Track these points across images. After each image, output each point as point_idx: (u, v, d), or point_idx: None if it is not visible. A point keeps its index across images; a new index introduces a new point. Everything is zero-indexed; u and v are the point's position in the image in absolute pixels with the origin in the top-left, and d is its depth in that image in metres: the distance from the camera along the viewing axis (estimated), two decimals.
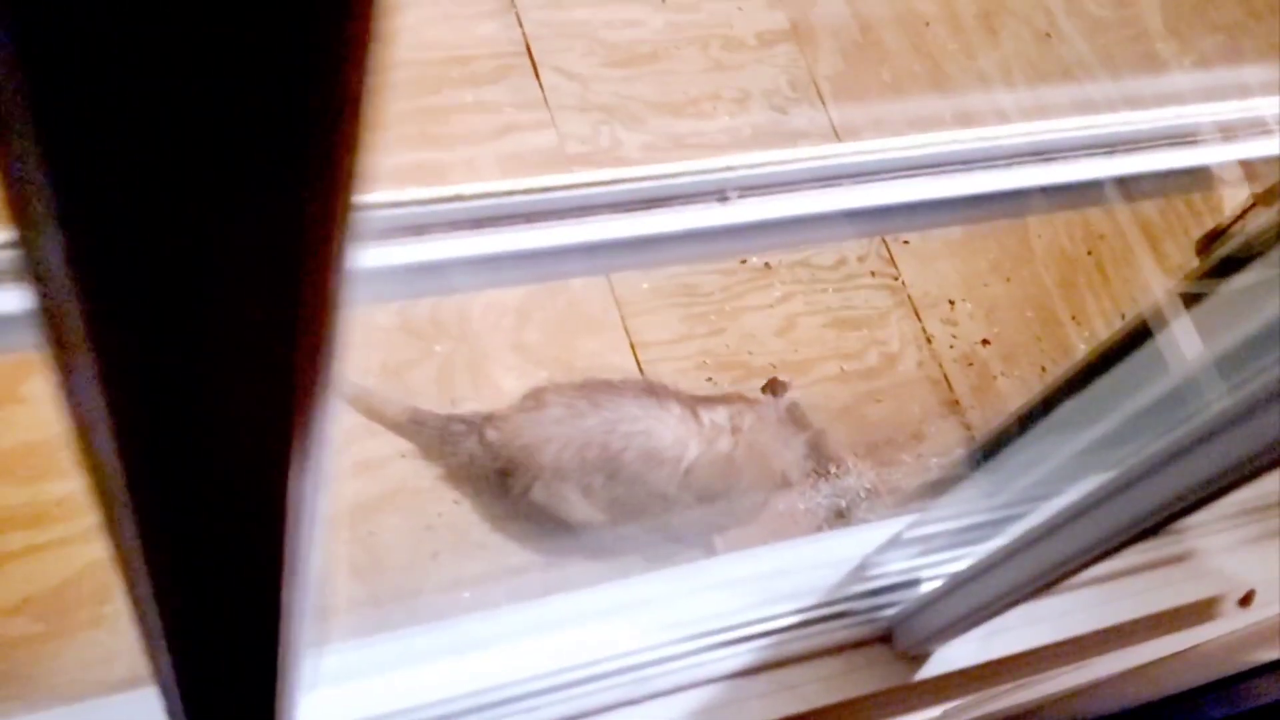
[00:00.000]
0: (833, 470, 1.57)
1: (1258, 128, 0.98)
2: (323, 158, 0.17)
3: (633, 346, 1.57)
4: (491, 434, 1.34)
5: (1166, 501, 0.56)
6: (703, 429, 1.38)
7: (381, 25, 0.17)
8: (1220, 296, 0.81)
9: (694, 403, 1.41)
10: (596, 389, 1.38)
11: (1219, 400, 0.52)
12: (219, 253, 0.17)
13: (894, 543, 0.79)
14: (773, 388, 1.49)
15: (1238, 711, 0.85)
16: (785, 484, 1.46)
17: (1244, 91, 0.96)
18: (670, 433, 1.35)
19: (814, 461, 1.47)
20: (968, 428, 1.62)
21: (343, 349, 0.23)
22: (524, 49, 1.72)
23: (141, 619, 0.32)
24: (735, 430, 1.40)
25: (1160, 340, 0.72)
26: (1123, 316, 1.76)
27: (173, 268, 0.18)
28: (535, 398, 1.38)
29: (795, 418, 1.46)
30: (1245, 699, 0.85)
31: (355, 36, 0.16)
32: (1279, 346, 0.60)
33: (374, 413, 1.41)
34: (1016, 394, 1.65)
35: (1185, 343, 0.69)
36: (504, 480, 1.35)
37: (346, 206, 0.18)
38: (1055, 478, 0.70)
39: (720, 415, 1.41)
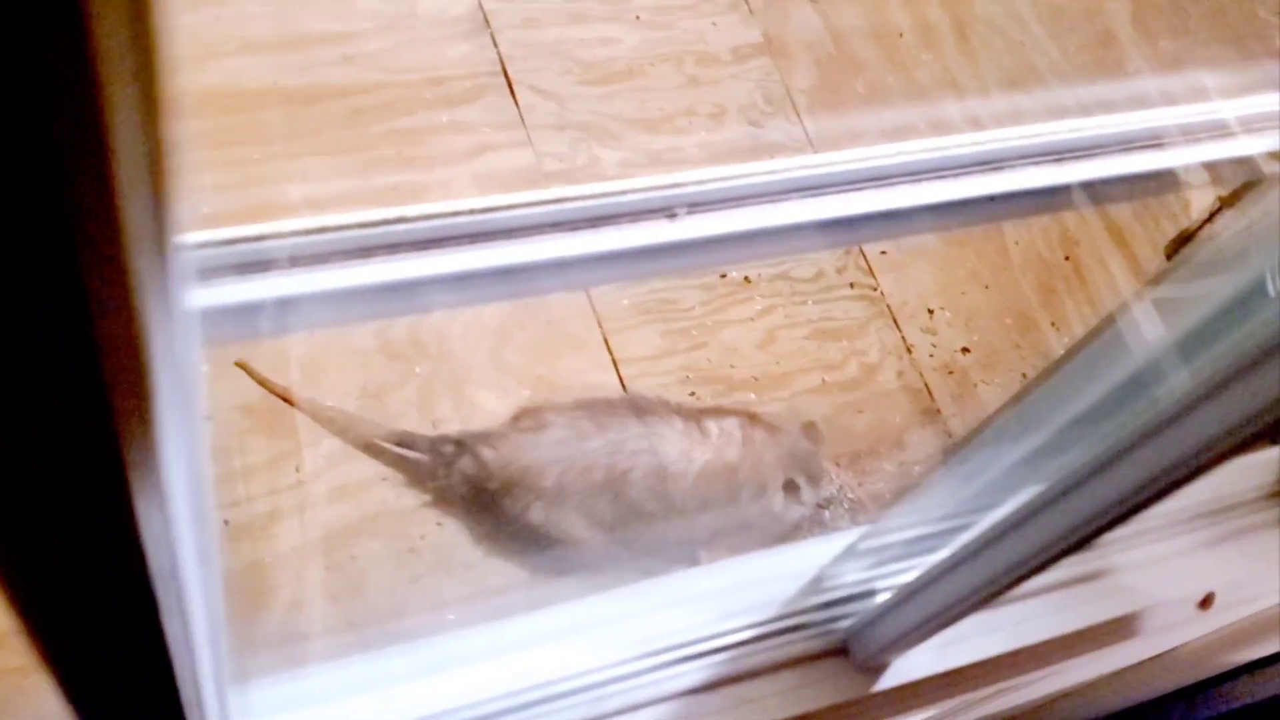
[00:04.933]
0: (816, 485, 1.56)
1: (1221, 130, 0.98)
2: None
3: (615, 363, 1.57)
4: (487, 453, 1.33)
5: (1094, 514, 0.56)
6: (708, 439, 1.38)
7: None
8: (1178, 300, 0.81)
9: (699, 415, 1.41)
10: (597, 409, 1.38)
11: (1145, 413, 0.52)
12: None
13: (849, 554, 0.79)
14: (808, 431, 1.47)
15: (1211, 716, 0.84)
16: (772, 510, 1.45)
17: (1208, 95, 0.97)
18: (675, 447, 1.35)
19: (803, 505, 1.45)
20: (949, 436, 1.63)
21: (184, 363, 0.24)
22: (499, 69, 1.73)
23: (40, 664, 0.33)
24: (746, 441, 1.40)
25: (1100, 348, 0.73)
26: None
27: None
28: (534, 417, 1.37)
29: (808, 459, 1.45)
30: (1218, 703, 0.85)
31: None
32: (1212, 350, 0.61)
33: (357, 438, 1.40)
34: (997, 402, 1.65)
35: (1122, 350, 0.69)
36: (498, 500, 1.34)
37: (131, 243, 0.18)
38: (998, 488, 0.70)
39: (730, 424, 1.41)
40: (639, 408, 1.39)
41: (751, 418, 1.45)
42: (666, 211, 0.79)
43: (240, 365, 1.37)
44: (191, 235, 0.68)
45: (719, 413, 1.43)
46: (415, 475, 1.40)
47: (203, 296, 0.66)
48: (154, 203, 0.18)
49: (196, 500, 0.28)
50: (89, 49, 0.16)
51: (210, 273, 0.67)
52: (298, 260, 0.72)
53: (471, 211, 0.75)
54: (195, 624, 0.31)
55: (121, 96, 0.16)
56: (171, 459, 0.24)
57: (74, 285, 0.17)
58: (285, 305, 0.70)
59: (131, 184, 0.17)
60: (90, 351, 0.19)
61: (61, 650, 0.30)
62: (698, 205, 0.79)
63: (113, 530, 0.24)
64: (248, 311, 0.68)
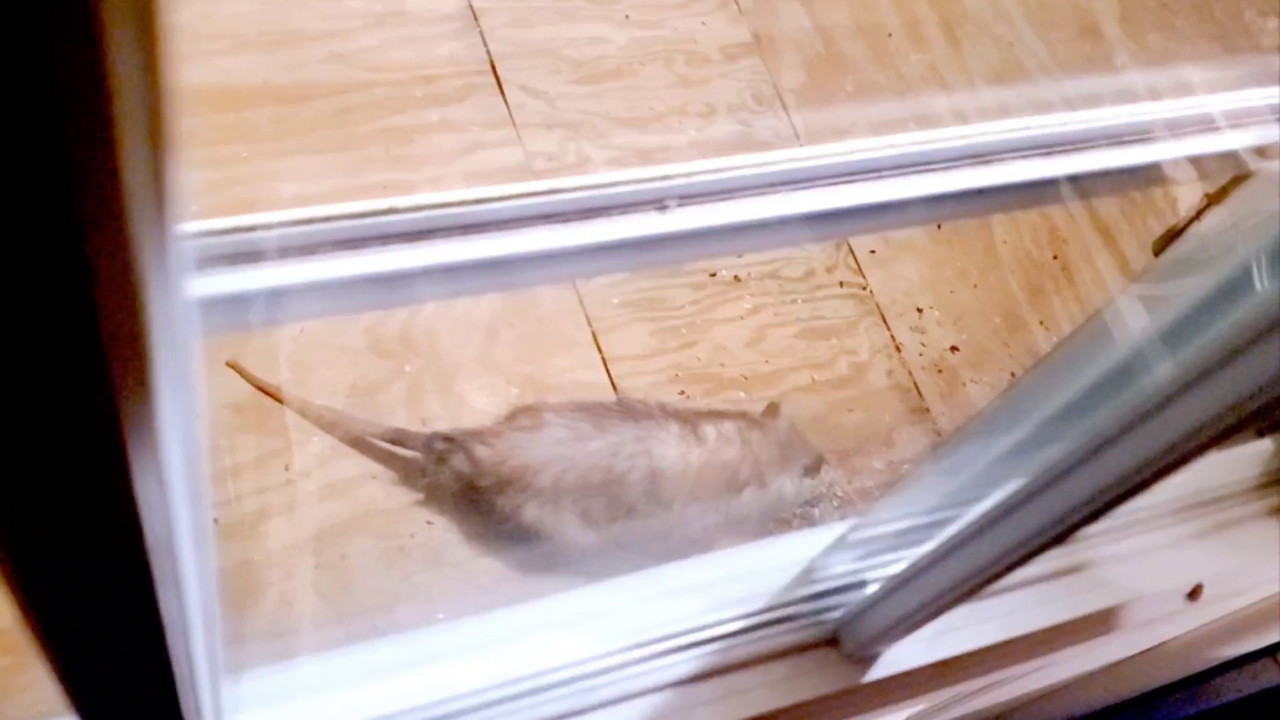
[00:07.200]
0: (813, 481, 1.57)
1: (1206, 125, 0.98)
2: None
3: (604, 361, 1.58)
4: (482, 450, 1.33)
5: (1077, 505, 0.57)
6: (705, 442, 1.38)
7: None
8: (1165, 296, 0.81)
9: (695, 418, 1.41)
10: (594, 410, 1.38)
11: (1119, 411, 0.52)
12: None
13: (839, 545, 0.79)
14: (771, 412, 1.49)
15: (1200, 710, 0.85)
16: (780, 503, 1.46)
17: (1193, 90, 0.97)
18: (673, 450, 1.36)
19: (810, 487, 1.48)
20: (938, 434, 1.63)
21: (180, 332, 0.24)
22: (489, 68, 1.73)
23: (35, 644, 0.32)
24: (744, 443, 1.41)
25: (1085, 343, 0.73)
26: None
27: None
28: (531, 416, 1.37)
29: (798, 440, 1.47)
30: (1206, 698, 0.85)
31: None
32: (1193, 344, 0.61)
33: (349, 436, 1.40)
34: (985, 400, 1.66)
35: (1107, 345, 0.69)
36: (491, 498, 1.34)
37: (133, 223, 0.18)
38: (984, 481, 0.70)
39: (728, 428, 1.41)
40: (635, 411, 1.39)
41: (747, 419, 1.45)
42: (657, 204, 0.79)
43: (231, 365, 1.37)
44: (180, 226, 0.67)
45: (716, 416, 1.43)
46: (407, 473, 1.40)
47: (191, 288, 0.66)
48: (152, 158, 0.18)
49: (192, 473, 0.28)
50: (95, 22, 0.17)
51: (198, 264, 0.66)
52: (286, 251, 0.72)
53: (462, 203, 0.75)
54: (190, 600, 0.31)
55: (124, 53, 0.16)
56: (168, 429, 0.24)
57: (73, 240, 0.17)
58: (273, 296, 0.70)
59: (131, 140, 0.17)
60: (89, 311, 0.19)
61: (57, 629, 0.30)
62: (689, 197, 0.79)
63: (110, 500, 0.24)
64: (235, 303, 0.68)
